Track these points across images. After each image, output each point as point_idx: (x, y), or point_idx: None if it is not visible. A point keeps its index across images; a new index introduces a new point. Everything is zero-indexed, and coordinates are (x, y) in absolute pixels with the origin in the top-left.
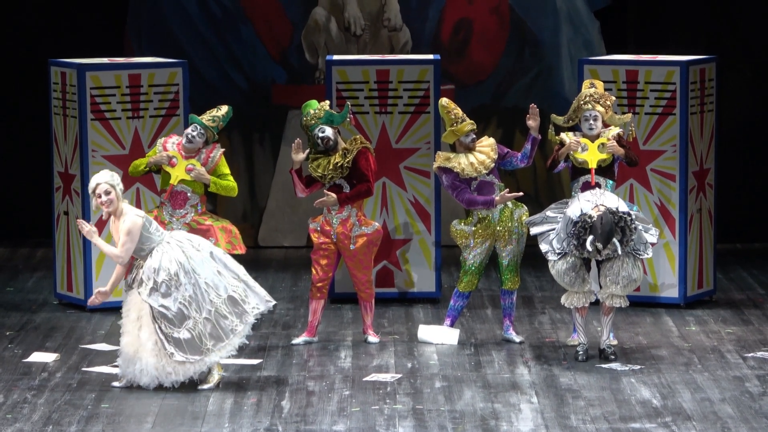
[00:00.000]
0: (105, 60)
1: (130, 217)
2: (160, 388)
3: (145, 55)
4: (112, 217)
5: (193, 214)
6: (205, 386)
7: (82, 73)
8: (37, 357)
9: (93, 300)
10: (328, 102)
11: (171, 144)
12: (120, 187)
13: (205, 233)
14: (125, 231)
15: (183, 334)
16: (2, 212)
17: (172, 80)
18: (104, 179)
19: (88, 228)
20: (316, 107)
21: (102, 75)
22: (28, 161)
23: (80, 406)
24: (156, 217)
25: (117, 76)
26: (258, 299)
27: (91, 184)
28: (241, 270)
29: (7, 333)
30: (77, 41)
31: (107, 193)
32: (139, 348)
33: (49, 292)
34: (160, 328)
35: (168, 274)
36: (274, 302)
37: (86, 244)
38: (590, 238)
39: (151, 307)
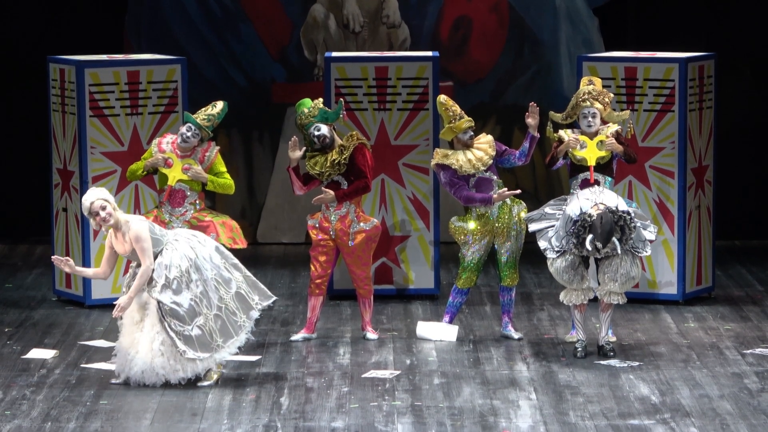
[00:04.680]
0: (104, 57)
1: (135, 225)
2: (166, 384)
3: (144, 53)
4: (111, 232)
5: (192, 212)
6: (204, 383)
7: (81, 69)
8: (36, 353)
9: (116, 314)
10: (321, 100)
11: (166, 144)
12: (113, 199)
13: (205, 229)
14: (135, 239)
15: (194, 331)
16: (1, 209)
17: (170, 77)
18: (96, 196)
19: (72, 268)
20: (309, 106)
21: (101, 72)
22: (26, 158)
23: (79, 403)
24: (156, 217)
25: (116, 73)
26: (260, 294)
27: (85, 204)
28: (241, 266)
29: (6, 330)
30: (76, 38)
31: (103, 208)
32: (139, 349)
33: (47, 288)
34: (170, 326)
35: (179, 270)
36: (274, 297)
37: (85, 240)
38: (590, 237)
39: (159, 306)
